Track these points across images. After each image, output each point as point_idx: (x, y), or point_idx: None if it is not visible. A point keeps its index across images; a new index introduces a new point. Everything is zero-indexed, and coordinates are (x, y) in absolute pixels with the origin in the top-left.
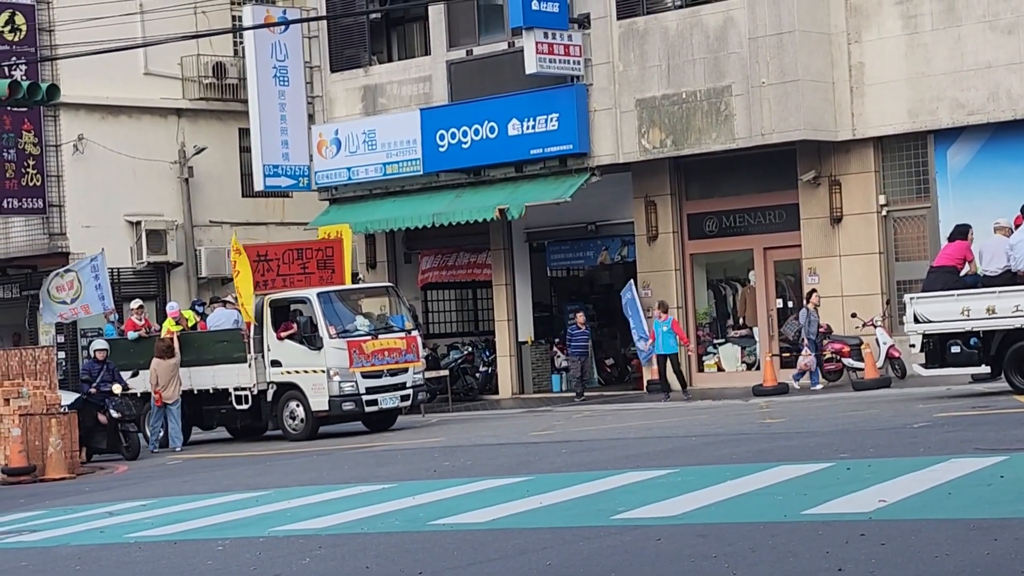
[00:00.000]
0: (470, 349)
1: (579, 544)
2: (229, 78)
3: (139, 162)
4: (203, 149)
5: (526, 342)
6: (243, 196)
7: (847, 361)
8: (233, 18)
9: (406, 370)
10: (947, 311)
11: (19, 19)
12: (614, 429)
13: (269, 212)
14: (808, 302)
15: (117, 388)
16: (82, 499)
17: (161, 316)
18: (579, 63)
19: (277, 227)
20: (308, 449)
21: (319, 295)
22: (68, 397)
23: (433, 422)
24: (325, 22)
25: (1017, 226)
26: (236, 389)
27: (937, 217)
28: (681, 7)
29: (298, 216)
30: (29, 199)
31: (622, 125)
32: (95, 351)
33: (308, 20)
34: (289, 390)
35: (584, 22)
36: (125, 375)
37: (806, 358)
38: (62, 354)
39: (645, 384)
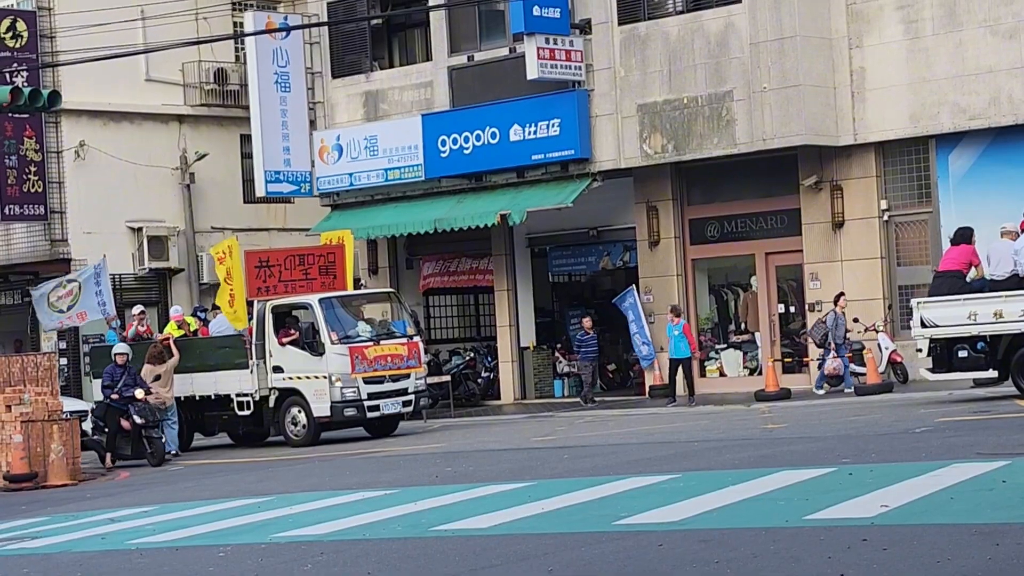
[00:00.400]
0: (472, 355)
1: (581, 550)
2: (231, 84)
3: (141, 168)
4: (205, 155)
5: (528, 347)
6: (245, 202)
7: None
8: (234, 24)
9: (408, 376)
10: (954, 315)
11: (20, 25)
12: (616, 434)
13: (271, 218)
14: (836, 305)
15: (139, 393)
16: (84, 506)
17: (163, 322)
18: (580, 68)
19: (279, 233)
20: (310, 455)
21: (321, 301)
22: (70, 403)
23: (435, 428)
24: (326, 28)
25: (1023, 230)
26: (238, 395)
27: (939, 222)
28: (682, 12)
29: (300, 222)
30: (31, 205)
31: (623, 130)
32: (115, 355)
33: (310, 26)
34: (291, 396)
35: (585, 27)
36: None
37: (834, 361)
38: (64, 360)
39: (647, 389)
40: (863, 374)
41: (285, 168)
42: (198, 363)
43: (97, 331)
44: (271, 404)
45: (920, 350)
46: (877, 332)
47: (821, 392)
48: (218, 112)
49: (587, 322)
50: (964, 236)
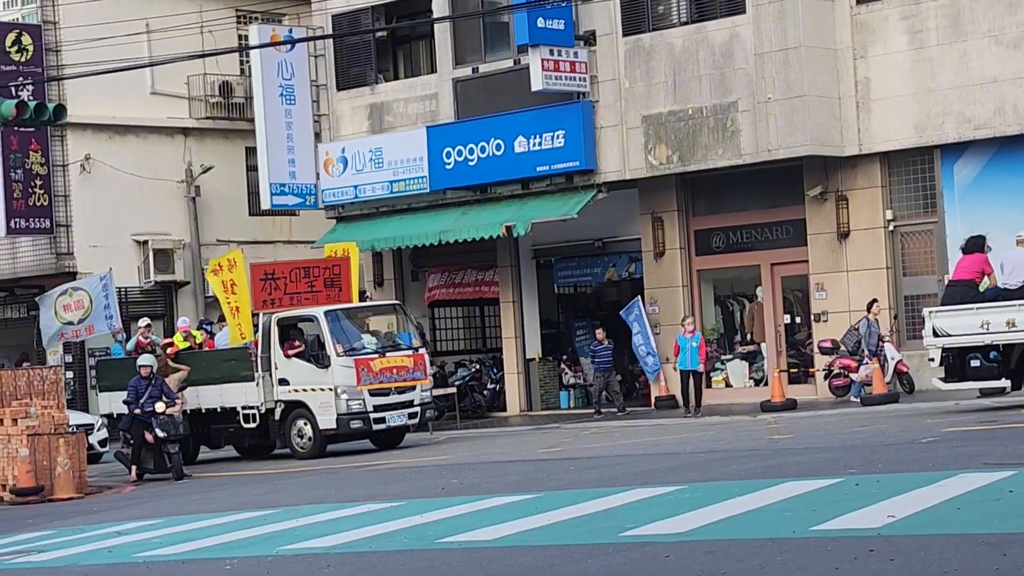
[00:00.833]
0: (478, 366)
1: (587, 561)
2: (236, 97)
3: (146, 181)
4: (210, 168)
5: (534, 359)
6: (250, 215)
7: (855, 376)
8: (239, 37)
9: (414, 388)
10: (966, 325)
11: (26, 39)
12: (622, 446)
13: (276, 230)
14: (869, 312)
15: (160, 406)
16: (90, 519)
17: (169, 334)
18: (585, 80)
19: (284, 245)
20: (316, 467)
21: (326, 313)
22: (76, 417)
23: (441, 440)
24: (331, 40)
25: None
26: (244, 408)
27: (944, 232)
28: (687, 23)
29: (305, 234)
30: (36, 219)
31: (628, 142)
32: (140, 367)
33: (314, 39)
34: (297, 408)
35: (590, 39)
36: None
37: (867, 368)
38: (70, 374)
39: (653, 400)
40: (869, 384)
41: (290, 181)
42: (204, 376)
43: (103, 344)
44: (277, 417)
45: (932, 359)
46: (883, 342)
47: (858, 400)
48: (223, 125)
49: (600, 333)
50: (976, 245)
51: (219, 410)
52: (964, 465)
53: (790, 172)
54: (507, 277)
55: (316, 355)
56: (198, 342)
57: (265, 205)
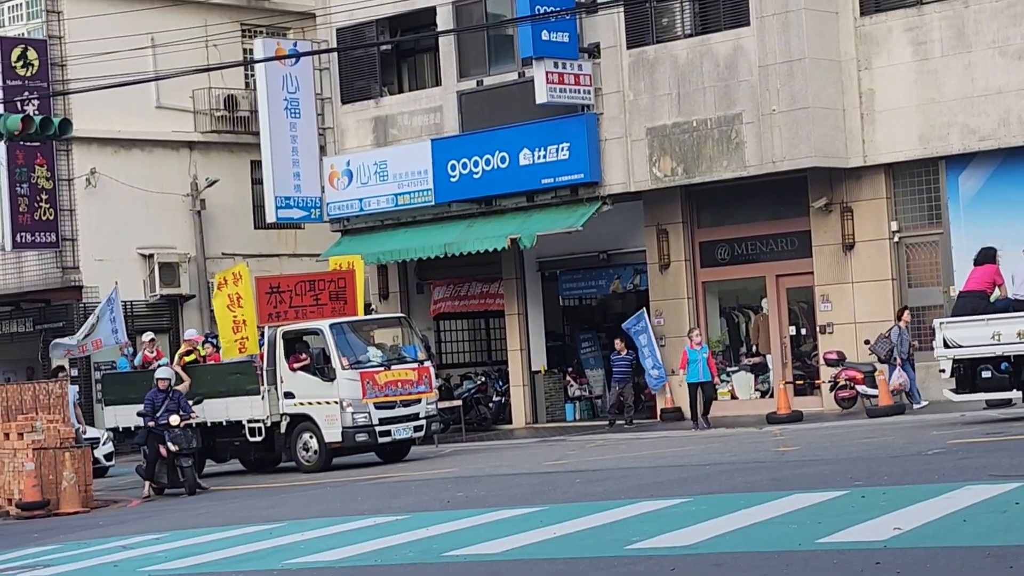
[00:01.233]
0: (483, 379)
1: (593, 574)
2: (241, 111)
3: (151, 195)
4: (215, 182)
5: (539, 371)
6: (255, 228)
7: (860, 388)
8: (244, 51)
9: (419, 401)
10: (977, 336)
11: (31, 54)
12: (628, 458)
13: (281, 244)
14: (900, 320)
15: (174, 419)
16: (96, 533)
17: (175, 348)
18: (589, 92)
19: (289, 259)
20: (321, 481)
21: (332, 326)
22: None
23: (446, 452)
24: (336, 54)
25: None
26: (249, 421)
27: (949, 243)
28: (691, 36)
29: (310, 247)
30: (42, 233)
31: (633, 154)
32: (157, 380)
33: (319, 52)
34: (302, 422)
35: (594, 51)
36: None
37: (900, 378)
38: (75, 388)
39: (659, 412)
40: (875, 396)
41: (295, 194)
42: (209, 389)
43: (108, 358)
44: (282, 430)
45: (943, 370)
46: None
47: (924, 405)
48: (228, 139)
49: (620, 343)
50: (988, 256)
51: (224, 423)
52: (970, 477)
53: (795, 184)
54: (512, 289)
55: (321, 368)
56: (202, 355)
57: (270, 218)
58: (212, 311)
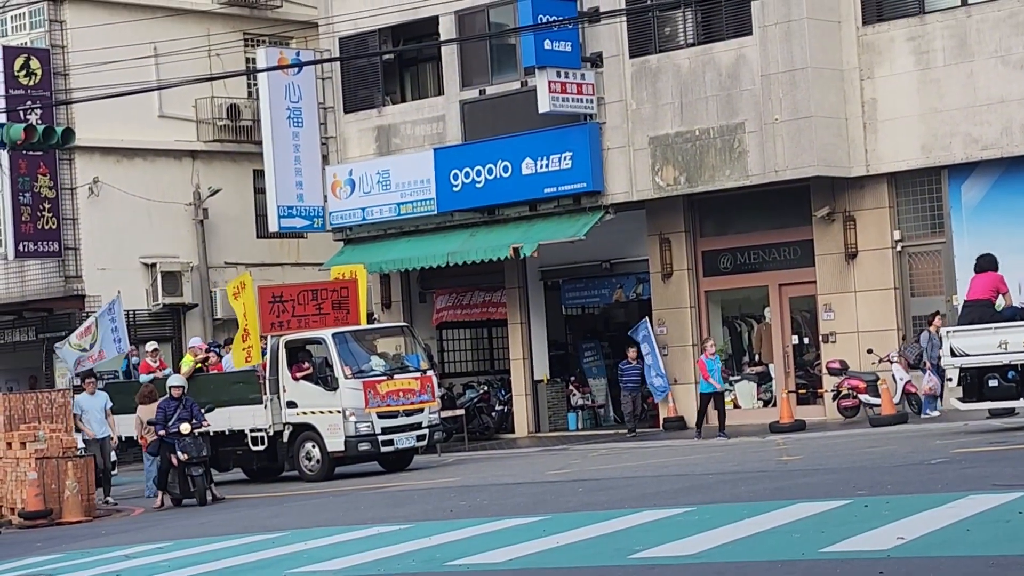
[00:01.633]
0: (486, 388)
1: None
2: (243, 120)
3: (154, 204)
4: (218, 191)
5: (542, 380)
6: (258, 237)
7: (863, 397)
8: (247, 60)
9: (422, 410)
10: (984, 344)
11: (34, 63)
12: (631, 467)
13: (284, 253)
14: (931, 325)
15: (185, 428)
16: (99, 542)
17: (177, 358)
18: (592, 101)
19: (292, 268)
20: (324, 490)
21: (334, 336)
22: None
23: (449, 462)
24: (338, 63)
25: None
26: (252, 430)
27: (952, 252)
28: (693, 45)
29: (313, 257)
30: (45, 242)
31: (635, 163)
32: (170, 387)
33: (322, 62)
34: (305, 431)
35: (597, 61)
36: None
37: (930, 381)
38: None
39: (662, 421)
40: (878, 405)
41: (298, 203)
42: (212, 399)
43: (112, 368)
44: (285, 439)
45: (950, 379)
46: (892, 363)
47: (936, 413)
48: (231, 148)
49: (632, 352)
50: (990, 263)
51: (227, 433)
52: (974, 486)
53: (797, 193)
54: (515, 299)
55: (324, 377)
56: (207, 363)
57: (273, 228)
58: (215, 320)
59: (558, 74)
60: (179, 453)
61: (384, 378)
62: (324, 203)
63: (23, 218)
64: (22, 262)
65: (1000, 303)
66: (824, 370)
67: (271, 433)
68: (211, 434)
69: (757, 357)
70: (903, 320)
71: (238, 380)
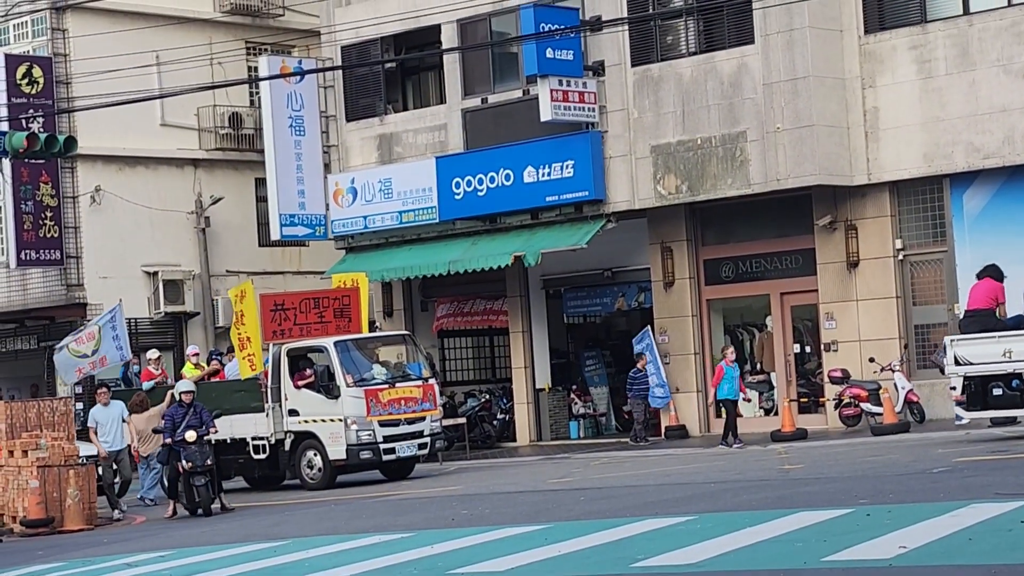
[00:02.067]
0: (487, 396)
1: None
2: (245, 128)
3: (156, 212)
4: (220, 199)
5: (543, 389)
6: (260, 245)
7: (865, 406)
8: (249, 69)
9: (423, 418)
10: (988, 353)
11: (36, 72)
12: (632, 476)
13: (286, 261)
14: None
15: (190, 435)
16: (100, 550)
17: (179, 366)
18: (594, 110)
19: (294, 276)
20: (326, 498)
21: (336, 344)
22: (86, 448)
23: (451, 470)
24: (340, 72)
25: None
26: (253, 438)
27: (954, 261)
28: (695, 54)
29: (315, 265)
30: (46, 250)
31: (637, 171)
32: (180, 393)
33: (324, 70)
34: (306, 439)
35: (599, 69)
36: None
37: None
38: (80, 405)
39: (663, 430)
40: (880, 414)
41: (300, 211)
42: (213, 407)
43: (113, 375)
44: (287, 447)
45: (954, 388)
46: (893, 372)
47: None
48: (233, 156)
49: (642, 360)
50: (993, 273)
51: (229, 441)
52: (976, 495)
53: (799, 201)
54: (516, 307)
55: (326, 386)
56: (207, 372)
57: (275, 236)
58: (217, 328)
59: (560, 83)
60: (183, 461)
61: (386, 386)
62: (326, 211)
63: (25, 226)
64: (24, 270)
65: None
66: (826, 379)
67: (273, 441)
68: (212, 442)
69: (759, 366)
70: (905, 329)
71: (240, 388)
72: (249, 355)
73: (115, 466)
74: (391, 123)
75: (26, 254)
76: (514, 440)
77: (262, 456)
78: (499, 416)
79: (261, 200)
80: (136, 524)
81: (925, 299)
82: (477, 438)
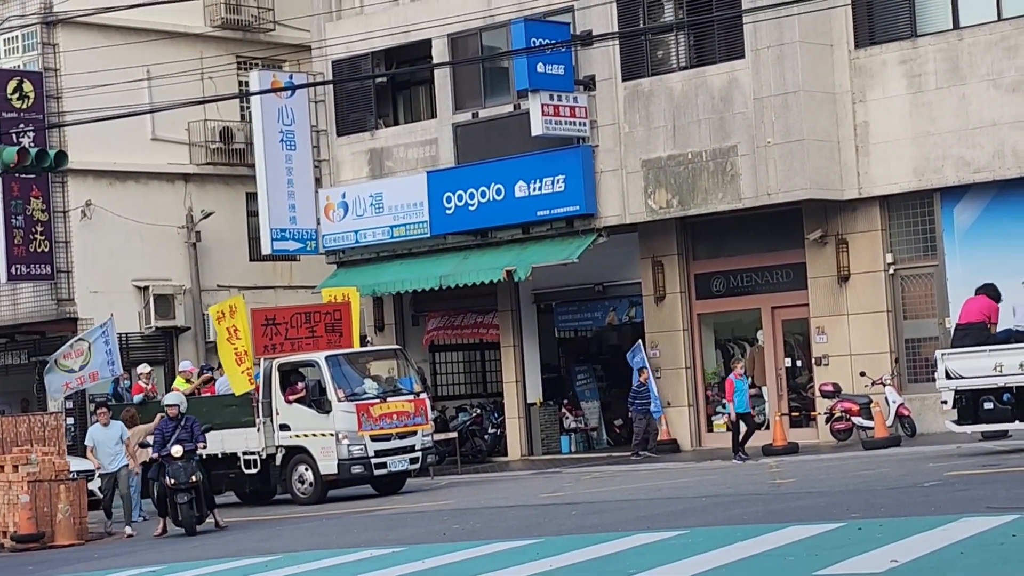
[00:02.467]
0: (479, 411)
1: None
2: (236, 143)
3: (147, 227)
4: (210, 214)
5: (534, 403)
6: (251, 260)
7: (856, 420)
8: (240, 83)
9: (415, 433)
10: (979, 367)
11: (27, 86)
12: (624, 490)
13: (277, 276)
14: None
15: (176, 450)
16: (91, 566)
17: (170, 380)
18: (585, 124)
19: (285, 291)
20: (317, 513)
21: (327, 358)
22: (77, 463)
23: (442, 485)
24: (331, 86)
25: None
26: (245, 453)
27: (945, 275)
28: (686, 68)
29: (306, 279)
30: (37, 265)
31: (628, 186)
32: (165, 406)
33: (314, 85)
34: (298, 454)
35: (589, 84)
36: None
37: None
38: (70, 420)
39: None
40: (871, 428)
41: (291, 226)
42: (204, 421)
43: (103, 391)
44: (278, 462)
45: (945, 402)
46: (884, 386)
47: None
48: (224, 171)
49: (644, 374)
50: (991, 291)
51: (220, 456)
52: (967, 509)
53: (790, 216)
54: (508, 321)
55: (317, 400)
56: (197, 385)
57: (266, 250)
58: (208, 343)
59: (551, 97)
60: (168, 478)
61: (377, 401)
62: (317, 226)
63: (15, 241)
64: (14, 285)
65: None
66: (817, 393)
67: (264, 456)
68: (203, 456)
69: (750, 380)
70: (896, 343)
71: (231, 403)
72: (246, 370)
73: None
74: (382, 137)
75: (17, 269)
76: (505, 454)
77: (253, 471)
78: (490, 430)
79: (252, 215)
80: (126, 539)
81: (916, 313)
82: (468, 452)
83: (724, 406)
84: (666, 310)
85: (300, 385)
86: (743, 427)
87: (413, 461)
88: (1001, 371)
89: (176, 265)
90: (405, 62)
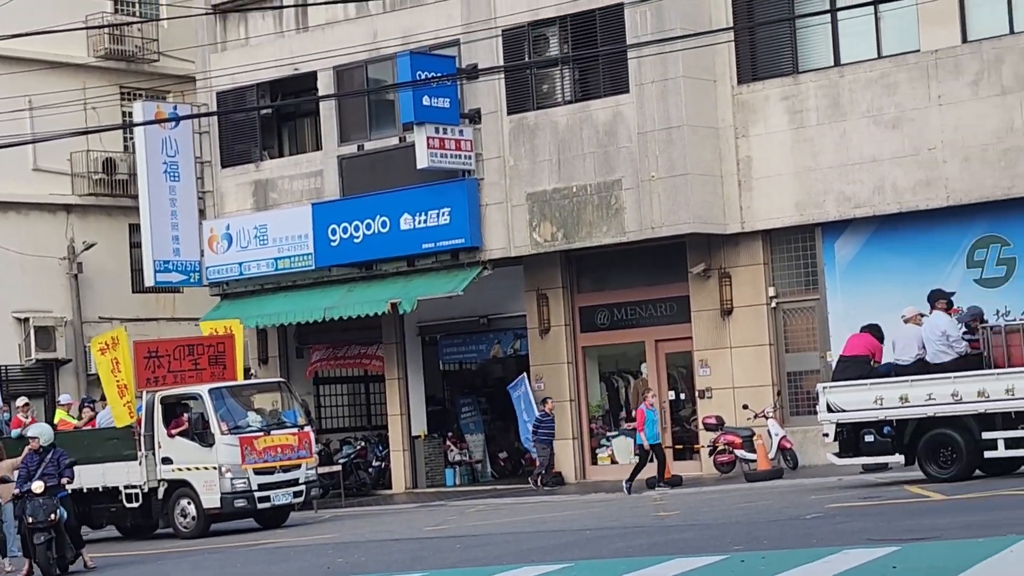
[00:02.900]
0: (363, 444)
1: None
2: (119, 173)
3: (27, 258)
4: (92, 245)
5: (419, 436)
6: (133, 292)
7: (739, 452)
8: (123, 114)
9: (299, 466)
10: (860, 400)
11: None
12: (508, 523)
13: (160, 308)
14: None
15: (37, 486)
16: None
17: (50, 413)
18: (470, 157)
19: (168, 323)
20: (199, 547)
21: (211, 391)
22: None
23: (326, 518)
24: (216, 117)
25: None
26: (126, 487)
27: (826, 308)
28: (571, 102)
29: (189, 311)
30: None
31: (513, 219)
32: (30, 438)
33: (199, 116)
34: (180, 487)
35: (475, 117)
36: None
37: None
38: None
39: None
40: (753, 460)
41: (174, 257)
42: (86, 455)
43: None
44: (160, 496)
45: (827, 434)
46: (767, 418)
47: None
48: (107, 202)
49: (549, 404)
50: (875, 331)
51: (100, 489)
52: (848, 541)
53: (674, 249)
54: (392, 354)
55: (200, 433)
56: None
57: (149, 282)
58: (89, 375)
59: (436, 130)
60: (25, 516)
61: (261, 434)
62: (201, 257)
63: None
64: None
65: None
66: (700, 425)
67: (146, 490)
68: (83, 490)
69: (634, 413)
70: (778, 376)
71: (113, 436)
72: (128, 402)
73: None
74: (267, 169)
75: None
76: (390, 488)
77: (135, 504)
78: (375, 463)
79: (135, 246)
80: (4, 574)
81: (798, 346)
82: (352, 486)
83: (632, 436)
84: (551, 343)
85: (183, 418)
86: (655, 457)
87: (297, 495)
88: (882, 404)
89: (57, 297)
90: (290, 94)
